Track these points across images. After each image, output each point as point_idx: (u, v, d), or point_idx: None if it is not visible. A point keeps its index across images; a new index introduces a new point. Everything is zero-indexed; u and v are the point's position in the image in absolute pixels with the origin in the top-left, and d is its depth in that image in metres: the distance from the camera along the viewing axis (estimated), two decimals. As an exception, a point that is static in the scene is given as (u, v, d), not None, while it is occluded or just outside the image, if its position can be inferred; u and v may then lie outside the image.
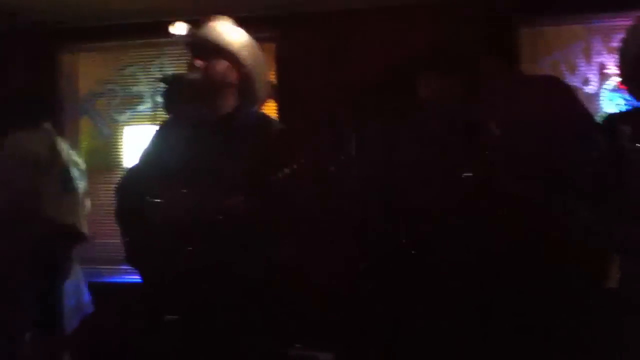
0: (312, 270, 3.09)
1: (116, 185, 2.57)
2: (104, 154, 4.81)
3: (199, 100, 2.39)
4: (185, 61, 2.46)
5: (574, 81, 4.02)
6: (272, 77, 4.38)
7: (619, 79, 2.65)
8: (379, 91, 3.66)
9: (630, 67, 2.41)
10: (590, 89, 4.10)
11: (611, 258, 2.39)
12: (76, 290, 3.95)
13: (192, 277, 2.23)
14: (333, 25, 4.14)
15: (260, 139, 2.07)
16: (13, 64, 4.42)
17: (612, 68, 4.00)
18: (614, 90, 4.04)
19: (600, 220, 2.30)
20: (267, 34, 4.33)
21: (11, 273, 3.22)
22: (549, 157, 2.36)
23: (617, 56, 2.53)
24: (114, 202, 2.51)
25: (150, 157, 2.48)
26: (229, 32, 2.40)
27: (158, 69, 4.66)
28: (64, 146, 3.49)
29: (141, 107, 4.75)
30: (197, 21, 2.45)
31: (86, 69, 4.91)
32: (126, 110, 4.81)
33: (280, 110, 4.38)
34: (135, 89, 4.78)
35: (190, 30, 2.41)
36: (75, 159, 3.58)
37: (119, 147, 4.79)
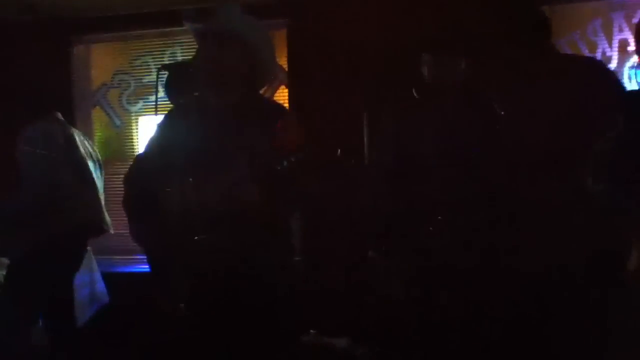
0: (325, 256, 3.08)
1: (125, 175, 2.58)
2: (117, 145, 4.82)
3: (204, 86, 2.37)
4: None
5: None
6: (283, 63, 4.37)
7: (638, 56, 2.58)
8: (388, 76, 3.61)
9: None
10: (610, 67, 4.01)
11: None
12: (91, 281, 3.97)
13: (203, 265, 2.22)
14: (344, 11, 4.08)
15: (269, 126, 2.04)
16: (27, 55, 4.42)
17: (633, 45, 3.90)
18: (635, 67, 3.95)
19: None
20: (279, 20, 4.30)
21: (30, 265, 3.22)
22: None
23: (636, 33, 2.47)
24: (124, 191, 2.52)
25: (158, 146, 2.46)
26: (237, 19, 2.37)
27: (170, 59, 4.64)
28: (79, 137, 3.48)
29: (154, 97, 4.73)
30: (207, 9, 2.43)
31: (99, 60, 4.91)
32: (139, 101, 4.81)
33: (291, 96, 4.34)
34: (147, 79, 4.77)
35: (197, 18, 2.38)
36: (90, 149, 3.57)
37: (132, 137, 4.80)
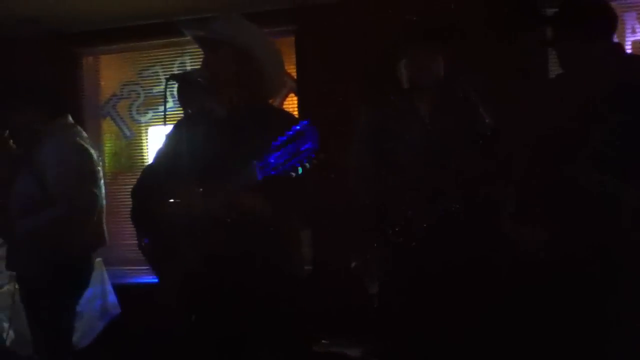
0: (335, 265, 3.06)
1: (132, 188, 2.56)
2: (127, 156, 4.82)
3: (211, 95, 2.36)
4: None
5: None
6: (292, 71, 4.36)
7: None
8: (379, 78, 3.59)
9: None
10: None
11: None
12: (102, 293, 3.95)
13: (212, 274, 2.20)
14: (352, 17, 4.06)
15: (275, 135, 2.01)
16: (37, 68, 4.44)
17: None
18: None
19: None
20: (287, 27, 4.29)
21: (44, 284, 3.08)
22: None
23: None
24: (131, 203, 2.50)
25: (165, 156, 2.45)
26: (238, 27, 2.35)
27: (180, 69, 4.64)
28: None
29: (163, 108, 4.73)
30: (213, 18, 2.42)
31: (108, 72, 4.92)
32: (148, 111, 4.81)
33: (301, 103, 4.32)
34: (156, 89, 4.78)
35: (198, 28, 2.37)
36: (97, 159, 3.55)
37: (143, 147, 4.80)
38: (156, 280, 2.38)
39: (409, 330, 2.73)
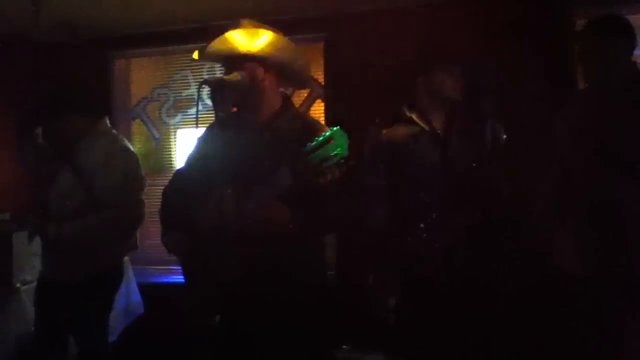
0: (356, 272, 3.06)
1: (164, 188, 2.61)
2: (155, 158, 4.89)
3: (240, 103, 2.40)
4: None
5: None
6: (320, 77, 4.38)
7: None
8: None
9: None
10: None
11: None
12: (127, 292, 3.98)
13: (236, 277, 2.22)
14: (381, 25, 4.08)
15: (304, 142, 2.03)
16: (71, 72, 4.53)
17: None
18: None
19: None
20: (316, 34, 4.32)
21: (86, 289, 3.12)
22: None
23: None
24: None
25: (197, 159, 2.49)
26: (253, 39, 2.36)
27: (209, 73, 4.69)
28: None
29: (192, 111, 4.80)
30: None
31: (138, 75, 5.00)
32: (177, 114, 4.88)
33: (328, 110, 4.35)
34: (186, 92, 4.84)
35: (213, 50, 2.39)
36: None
37: (171, 149, 4.87)
38: (182, 280, 2.41)
39: (426, 347, 2.72)
